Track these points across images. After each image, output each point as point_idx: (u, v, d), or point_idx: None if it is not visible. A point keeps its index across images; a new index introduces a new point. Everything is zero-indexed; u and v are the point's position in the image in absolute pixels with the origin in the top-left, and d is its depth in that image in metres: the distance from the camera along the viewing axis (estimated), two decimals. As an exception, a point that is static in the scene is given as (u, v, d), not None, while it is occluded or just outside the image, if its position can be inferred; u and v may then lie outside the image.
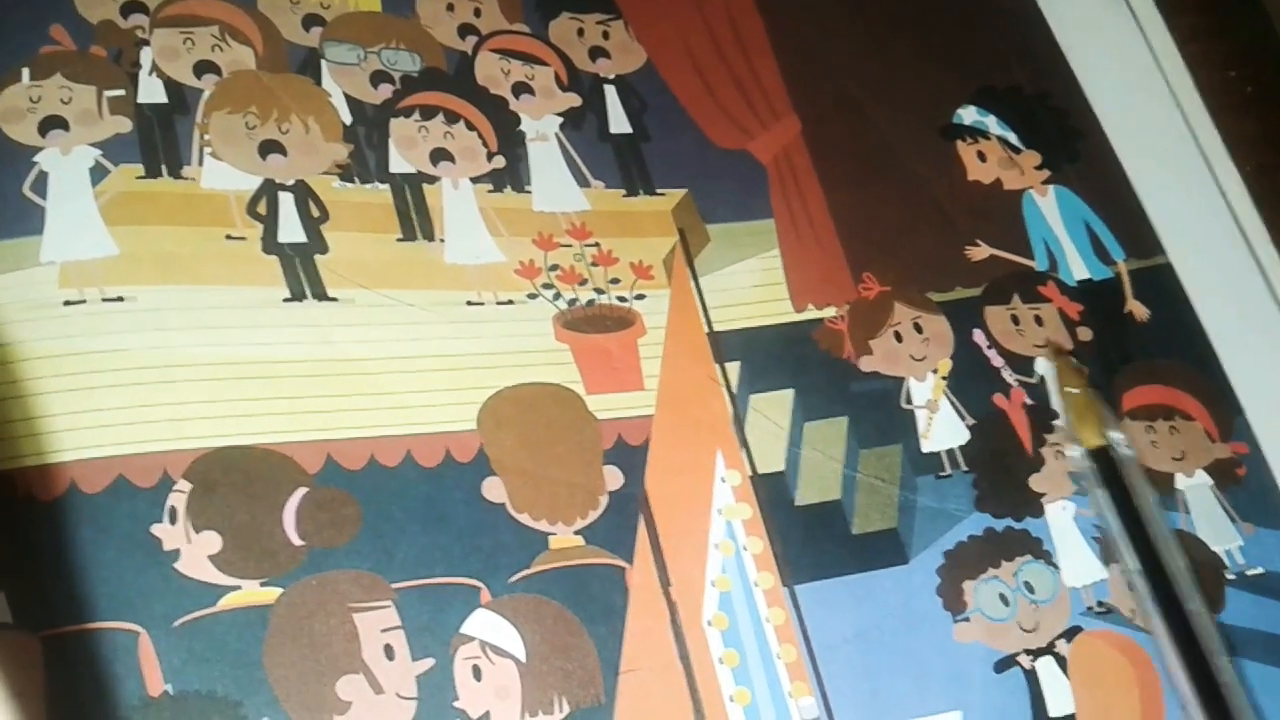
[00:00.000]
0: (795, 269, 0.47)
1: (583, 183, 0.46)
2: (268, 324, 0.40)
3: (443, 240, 0.44)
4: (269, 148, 0.43)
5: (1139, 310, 0.50)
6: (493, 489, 0.40)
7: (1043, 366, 0.45)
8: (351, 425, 0.40)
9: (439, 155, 0.45)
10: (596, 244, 0.45)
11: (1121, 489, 0.41)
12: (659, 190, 0.47)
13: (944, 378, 0.46)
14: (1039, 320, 0.48)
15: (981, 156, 0.52)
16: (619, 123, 0.48)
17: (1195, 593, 0.41)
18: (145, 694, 0.35)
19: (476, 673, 0.37)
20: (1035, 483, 0.45)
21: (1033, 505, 0.45)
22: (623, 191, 0.47)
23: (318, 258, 0.42)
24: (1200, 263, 0.51)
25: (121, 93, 0.43)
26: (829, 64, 0.52)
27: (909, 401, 0.46)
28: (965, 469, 0.45)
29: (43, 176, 0.41)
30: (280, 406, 0.39)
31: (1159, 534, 0.41)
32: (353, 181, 0.44)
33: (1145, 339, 0.49)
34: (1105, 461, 0.41)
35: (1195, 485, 0.46)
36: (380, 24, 0.47)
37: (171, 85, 0.43)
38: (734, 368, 0.44)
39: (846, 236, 0.48)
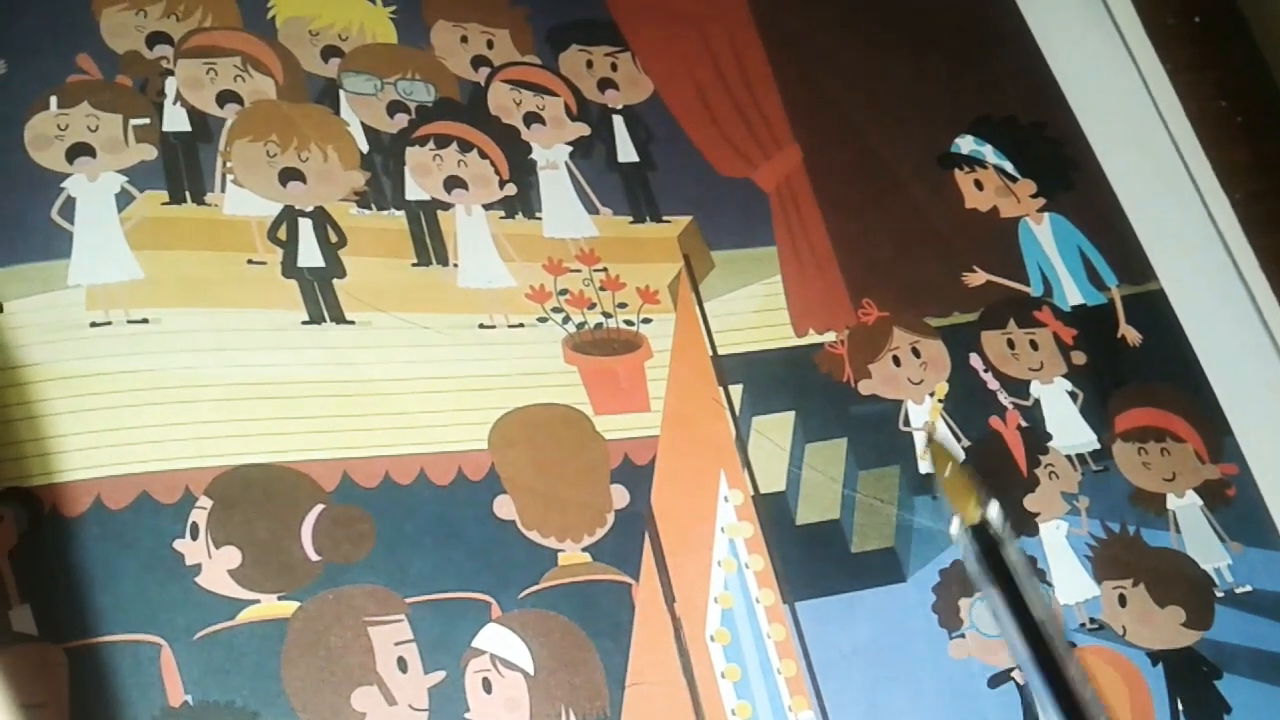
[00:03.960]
0: (796, 294, 0.48)
1: (591, 210, 0.47)
2: (287, 346, 0.41)
3: (456, 265, 0.45)
4: (289, 175, 0.44)
5: (1131, 335, 0.51)
6: (503, 507, 0.41)
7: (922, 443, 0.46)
8: (367, 444, 0.40)
9: (453, 183, 0.46)
10: (604, 269, 0.46)
11: (999, 564, 0.40)
12: (665, 217, 0.48)
13: (941, 401, 0.47)
14: (1034, 345, 0.49)
15: (978, 185, 0.53)
16: (626, 152, 0.49)
17: (1074, 659, 0.40)
18: (166, 704, 0.35)
19: (487, 685, 0.38)
20: (1030, 502, 0.46)
21: (1027, 524, 0.45)
22: (630, 218, 0.48)
23: (336, 282, 0.43)
24: (1191, 288, 0.52)
25: (147, 121, 0.44)
26: (830, 95, 0.53)
27: (907, 424, 0.47)
28: (961, 489, 0.46)
29: (70, 202, 0.41)
30: (298, 426, 0.40)
31: (1035, 605, 0.40)
32: (370, 208, 0.45)
33: (1137, 363, 0.50)
34: (983, 537, 0.41)
35: (1185, 505, 0.47)
36: (396, 55, 0.48)
37: (195, 114, 0.44)
38: (737, 390, 0.45)
39: (846, 263, 0.49)
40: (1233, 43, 0.59)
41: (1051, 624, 0.39)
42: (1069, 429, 0.48)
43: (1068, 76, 0.56)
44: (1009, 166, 0.53)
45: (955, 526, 0.40)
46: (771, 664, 0.41)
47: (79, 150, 0.42)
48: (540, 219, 0.47)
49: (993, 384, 0.48)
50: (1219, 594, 0.46)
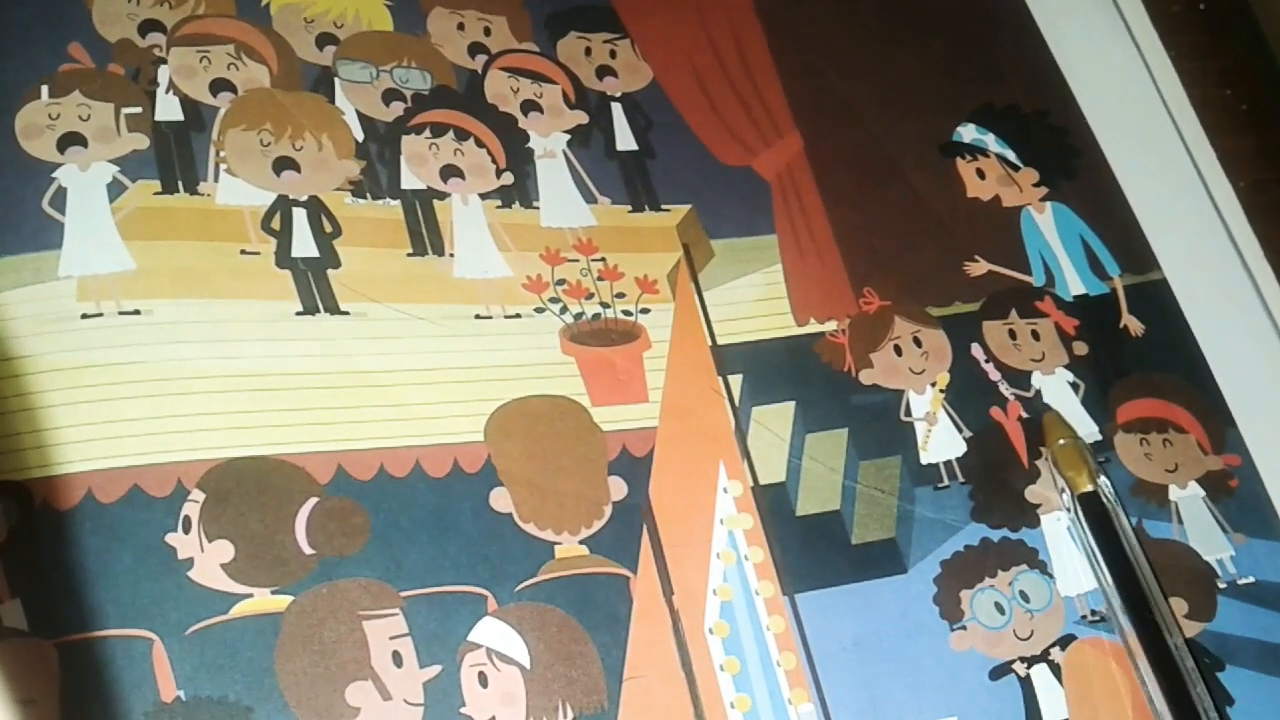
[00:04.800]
0: (797, 283, 0.48)
1: (589, 199, 0.47)
2: (281, 337, 0.41)
3: (452, 255, 0.44)
4: (283, 164, 0.44)
5: (1134, 325, 0.50)
6: (500, 499, 0.41)
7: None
8: (362, 436, 0.40)
9: (449, 172, 0.46)
10: (603, 259, 0.46)
11: (1111, 531, 0.42)
12: (664, 206, 0.48)
13: (942, 391, 0.47)
14: (1036, 335, 0.49)
15: (980, 174, 0.52)
16: (625, 140, 0.49)
17: (1177, 629, 0.42)
18: (159, 700, 0.35)
19: (483, 679, 0.38)
20: (1031, 494, 0.46)
21: (1028, 516, 0.45)
22: (628, 207, 0.47)
23: (330, 272, 0.43)
24: (1194, 278, 0.52)
25: (139, 110, 0.43)
26: (831, 82, 0.53)
27: (908, 414, 0.46)
28: (963, 480, 0.45)
29: (61, 192, 0.41)
30: (292, 418, 0.40)
31: (1145, 575, 0.42)
32: (365, 197, 0.45)
33: (1140, 353, 0.50)
34: (1094, 505, 0.43)
35: (1188, 496, 0.47)
36: (392, 43, 0.48)
37: (188, 103, 0.44)
38: (736, 380, 0.45)
39: (847, 252, 0.49)
40: (1238, 30, 0.59)
41: (1158, 596, 0.40)
42: (1071, 420, 0.47)
43: (1070, 64, 0.56)
44: (1011, 155, 0.53)
45: (1065, 497, 0.41)
46: (771, 656, 0.40)
47: (70, 140, 0.42)
48: (538, 208, 0.46)
49: (994, 374, 0.48)
50: (1222, 585, 0.45)
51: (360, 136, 0.46)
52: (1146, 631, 0.41)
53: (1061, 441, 0.45)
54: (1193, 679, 0.40)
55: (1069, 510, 0.44)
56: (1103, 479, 0.44)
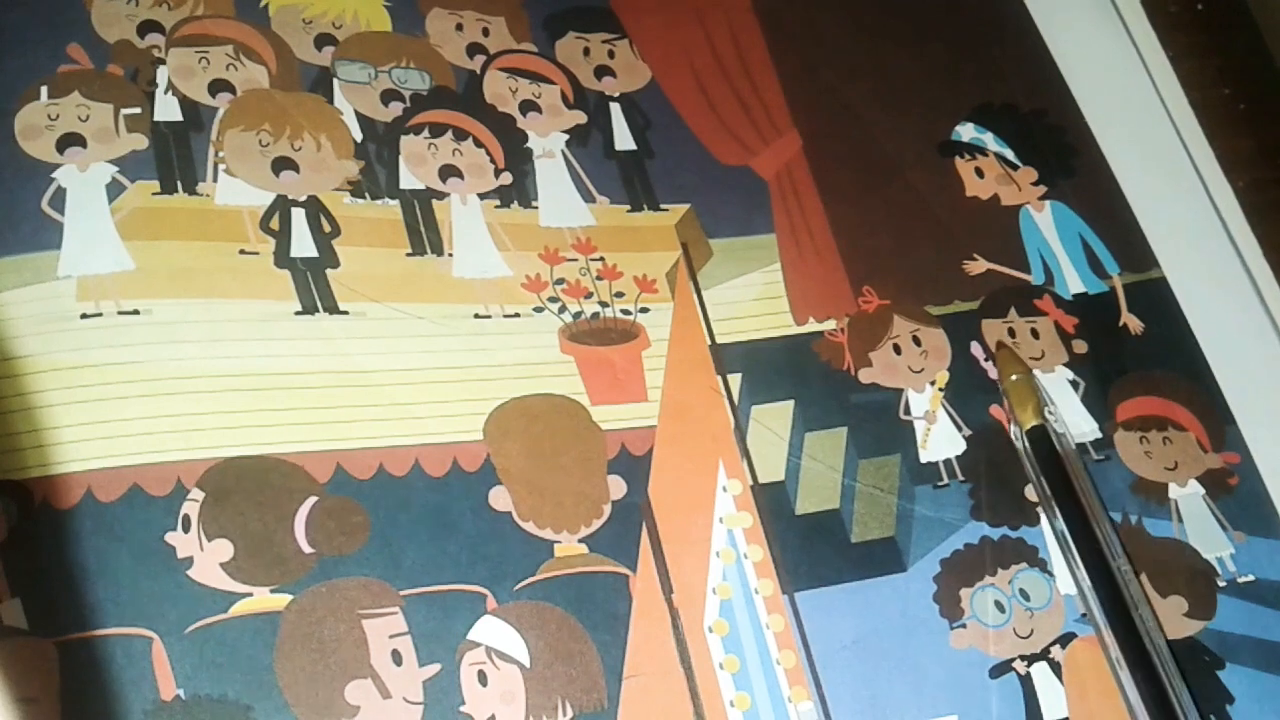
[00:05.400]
0: (796, 282, 0.48)
1: (588, 198, 0.47)
2: (280, 337, 0.41)
3: (451, 255, 0.44)
4: (282, 164, 0.44)
5: (1133, 323, 0.50)
6: (499, 498, 0.41)
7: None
8: (361, 435, 0.40)
9: (448, 172, 0.46)
10: (601, 258, 0.46)
11: (1059, 466, 0.42)
12: (663, 206, 0.48)
13: (941, 389, 0.47)
14: (1035, 333, 0.49)
15: (979, 173, 0.52)
16: (624, 140, 0.49)
17: (1125, 556, 0.42)
18: (158, 699, 0.35)
19: (482, 678, 0.38)
20: (1030, 492, 0.46)
21: (1028, 514, 0.45)
22: (627, 207, 0.47)
23: (329, 272, 0.43)
24: (1194, 276, 0.52)
25: (138, 111, 0.43)
26: (829, 82, 0.53)
27: (907, 412, 0.46)
28: (962, 479, 0.45)
29: (61, 192, 0.41)
30: (291, 417, 0.40)
31: (1090, 502, 0.42)
32: (363, 197, 0.45)
33: (1139, 351, 0.50)
34: (1042, 438, 0.43)
35: (1188, 495, 0.47)
36: (391, 43, 0.48)
37: (187, 103, 0.44)
38: (736, 379, 0.45)
39: (846, 251, 0.49)
40: (1235, 29, 0.59)
41: (1109, 530, 0.40)
42: (1070, 418, 0.47)
43: (1069, 63, 0.56)
44: (1010, 154, 0.53)
45: (1013, 431, 0.41)
46: (770, 655, 0.40)
47: (69, 140, 0.42)
48: (536, 208, 0.46)
49: (993, 372, 0.48)
50: (1221, 584, 0.45)
51: (359, 137, 0.46)
52: (1092, 561, 0.41)
53: (1014, 377, 0.44)
54: (1135, 602, 0.40)
55: (1020, 445, 0.44)
56: (1050, 410, 0.43)
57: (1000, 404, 0.47)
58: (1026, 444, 0.43)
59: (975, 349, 0.48)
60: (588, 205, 0.47)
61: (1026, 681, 0.42)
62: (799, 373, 0.46)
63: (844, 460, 0.45)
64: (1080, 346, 0.49)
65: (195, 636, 0.36)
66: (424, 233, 0.45)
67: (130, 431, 0.38)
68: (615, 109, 0.50)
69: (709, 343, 0.45)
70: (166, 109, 0.44)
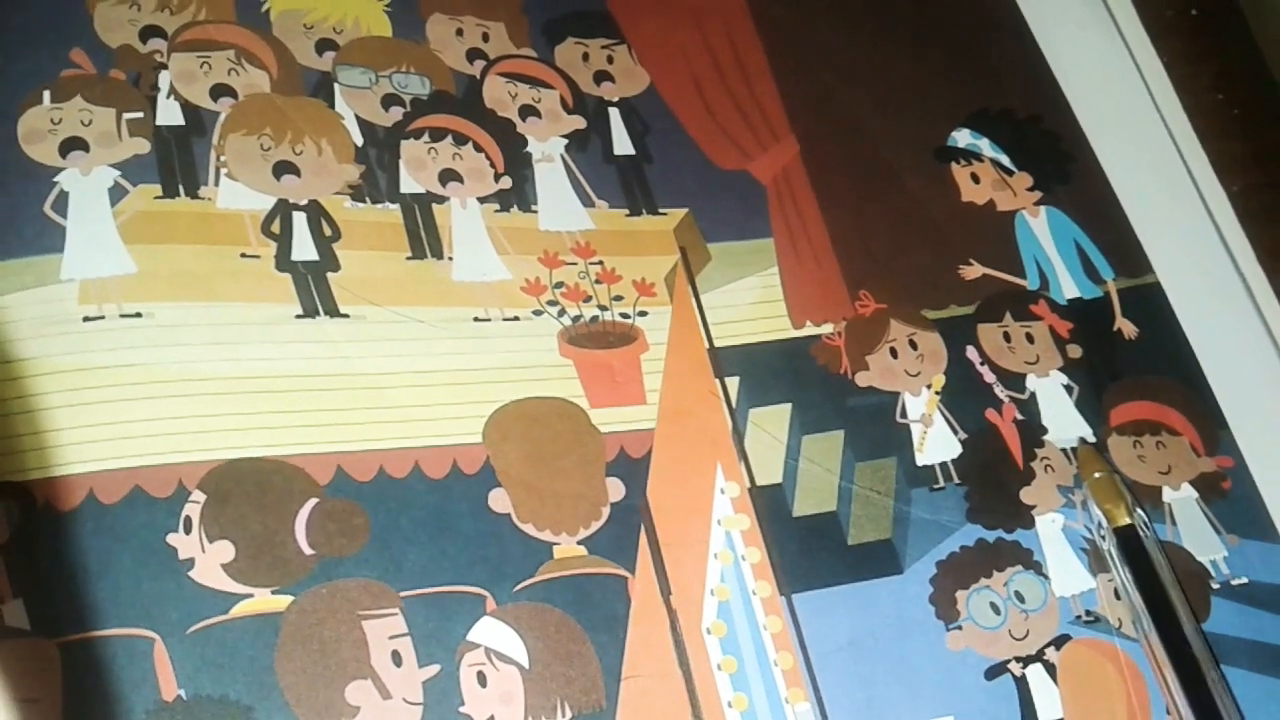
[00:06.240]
0: (793, 286, 0.48)
1: (587, 203, 0.47)
2: (281, 340, 0.41)
3: (451, 258, 0.45)
4: (283, 169, 0.44)
5: (1128, 328, 0.51)
6: (498, 500, 0.41)
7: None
8: (361, 438, 0.40)
9: (448, 176, 0.46)
10: (600, 262, 0.46)
11: (1148, 565, 0.43)
12: (661, 210, 0.48)
13: (938, 393, 0.47)
14: (1030, 338, 0.49)
15: (975, 178, 0.53)
16: (623, 144, 0.49)
17: (1214, 663, 0.42)
18: (160, 699, 0.35)
19: (481, 679, 0.38)
20: (1026, 495, 0.46)
21: (1023, 517, 0.45)
22: (626, 211, 0.48)
23: (330, 275, 0.43)
24: (1188, 281, 0.52)
25: (140, 115, 0.44)
26: (827, 87, 0.53)
27: (904, 416, 0.47)
28: (958, 482, 0.46)
29: (63, 196, 0.41)
30: (292, 420, 0.40)
31: (1182, 609, 0.43)
32: (364, 201, 0.45)
33: (1133, 356, 0.50)
34: (1131, 539, 0.43)
35: (1181, 498, 0.47)
36: (391, 48, 0.48)
37: (189, 108, 0.44)
38: (734, 382, 0.45)
39: (843, 255, 0.49)
40: (1230, 35, 0.59)
41: (1195, 630, 0.41)
42: (1064, 422, 0.48)
43: (1064, 69, 0.56)
44: (1005, 160, 0.53)
45: (1099, 529, 0.42)
46: (768, 656, 0.41)
47: (72, 144, 0.42)
48: (536, 212, 0.47)
49: (989, 377, 0.48)
50: (1215, 586, 0.46)
51: (359, 141, 0.46)
52: (1182, 665, 0.41)
53: (1097, 475, 0.45)
54: (1229, 714, 0.41)
55: (1103, 542, 0.44)
56: (1138, 512, 0.44)
57: (996, 410, 0.47)
58: (1113, 545, 0.44)
59: (971, 353, 0.48)
60: (587, 209, 0.47)
61: (1022, 683, 0.42)
62: (796, 376, 0.46)
63: (841, 463, 0.45)
64: (1075, 351, 0.50)
65: (196, 637, 0.36)
66: (424, 237, 0.45)
67: (132, 434, 0.38)
68: (614, 114, 0.50)
69: (707, 346, 0.46)
70: (168, 113, 0.44)
